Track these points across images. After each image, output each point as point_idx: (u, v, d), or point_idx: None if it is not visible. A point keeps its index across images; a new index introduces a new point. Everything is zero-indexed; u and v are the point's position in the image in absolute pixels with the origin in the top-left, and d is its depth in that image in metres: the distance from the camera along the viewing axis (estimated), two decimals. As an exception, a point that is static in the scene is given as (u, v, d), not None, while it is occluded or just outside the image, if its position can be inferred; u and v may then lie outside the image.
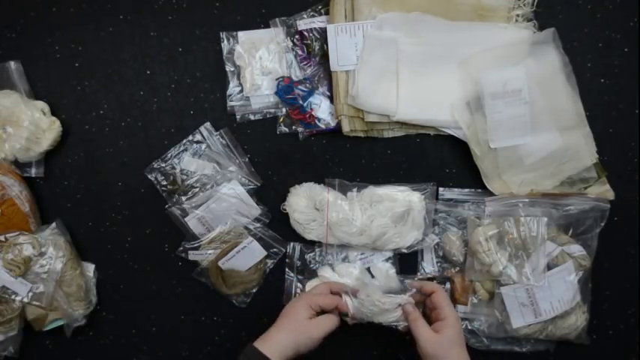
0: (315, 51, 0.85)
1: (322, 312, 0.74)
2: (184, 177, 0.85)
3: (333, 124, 0.85)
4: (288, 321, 0.72)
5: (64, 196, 0.88)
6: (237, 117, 0.87)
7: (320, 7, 0.85)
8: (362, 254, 0.85)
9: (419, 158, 0.86)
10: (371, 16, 0.82)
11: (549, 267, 0.78)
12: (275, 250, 0.86)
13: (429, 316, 0.75)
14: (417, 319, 0.72)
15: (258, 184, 0.86)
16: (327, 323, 0.72)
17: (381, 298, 0.73)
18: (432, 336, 0.70)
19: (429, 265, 0.84)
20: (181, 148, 0.86)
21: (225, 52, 0.86)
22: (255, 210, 0.86)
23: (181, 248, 0.86)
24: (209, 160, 0.86)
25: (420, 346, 0.70)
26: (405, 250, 0.83)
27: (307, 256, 0.86)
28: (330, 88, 0.85)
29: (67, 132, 0.88)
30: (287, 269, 0.86)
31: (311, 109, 0.85)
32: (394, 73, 0.83)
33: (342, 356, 0.87)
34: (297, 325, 0.71)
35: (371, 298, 0.73)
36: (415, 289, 0.77)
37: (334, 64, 0.83)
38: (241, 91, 0.86)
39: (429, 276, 0.84)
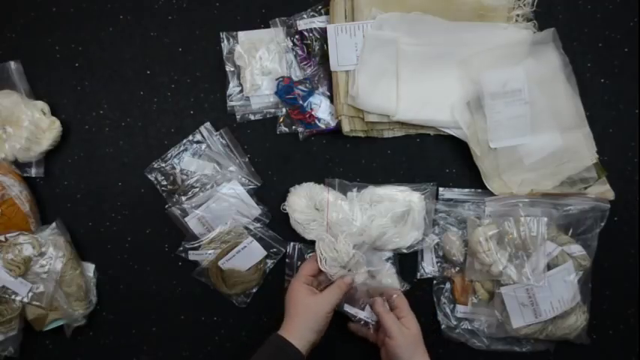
0: (315, 51, 0.85)
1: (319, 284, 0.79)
2: (184, 177, 0.85)
3: (333, 124, 0.85)
4: (295, 308, 0.73)
5: (64, 196, 0.88)
6: (237, 117, 0.87)
7: (320, 7, 0.85)
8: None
9: (419, 158, 0.86)
10: (371, 16, 0.82)
11: (549, 267, 0.78)
12: (275, 250, 0.86)
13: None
14: (389, 313, 0.76)
15: (258, 184, 0.86)
16: (331, 296, 0.75)
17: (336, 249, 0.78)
18: (402, 330, 0.74)
19: (429, 265, 0.84)
20: (181, 148, 0.86)
21: (225, 52, 0.86)
22: (255, 210, 0.86)
23: (181, 248, 0.86)
24: (209, 160, 0.86)
25: (395, 337, 0.73)
26: (405, 250, 0.83)
27: (307, 256, 0.86)
28: (330, 88, 0.85)
29: (67, 132, 0.88)
30: (287, 269, 0.86)
31: (311, 109, 0.85)
32: (394, 73, 0.83)
33: (343, 356, 0.87)
34: (304, 308, 0.73)
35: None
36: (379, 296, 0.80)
37: (334, 64, 0.83)
38: (241, 91, 0.86)
39: (429, 276, 0.84)
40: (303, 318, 0.72)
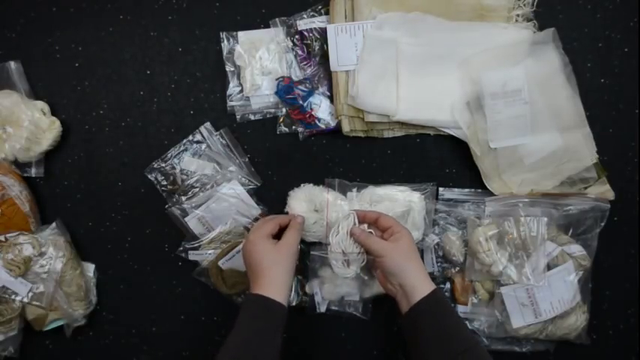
0: (315, 51, 0.85)
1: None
2: (184, 177, 0.85)
3: (333, 124, 0.85)
4: (264, 263, 0.70)
5: (64, 196, 0.88)
6: (237, 117, 0.87)
7: (320, 7, 0.85)
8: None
9: (419, 158, 0.86)
10: (371, 16, 0.82)
11: (549, 267, 0.78)
12: (275, 250, 0.86)
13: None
14: (369, 236, 0.73)
15: (258, 184, 0.86)
16: (293, 238, 0.73)
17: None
18: (390, 245, 0.71)
19: (429, 266, 0.84)
20: (181, 148, 0.86)
21: (225, 52, 0.86)
22: (255, 210, 0.86)
23: (181, 248, 0.86)
24: (209, 160, 0.86)
25: (383, 254, 0.70)
26: (405, 250, 0.83)
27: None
28: (330, 88, 0.85)
29: (67, 132, 0.88)
30: (287, 269, 0.86)
31: (311, 109, 0.85)
32: (394, 73, 0.83)
33: (343, 356, 0.87)
34: (273, 260, 0.70)
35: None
36: (359, 217, 0.76)
37: (334, 64, 0.83)
38: (241, 91, 0.86)
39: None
40: (275, 270, 0.69)
